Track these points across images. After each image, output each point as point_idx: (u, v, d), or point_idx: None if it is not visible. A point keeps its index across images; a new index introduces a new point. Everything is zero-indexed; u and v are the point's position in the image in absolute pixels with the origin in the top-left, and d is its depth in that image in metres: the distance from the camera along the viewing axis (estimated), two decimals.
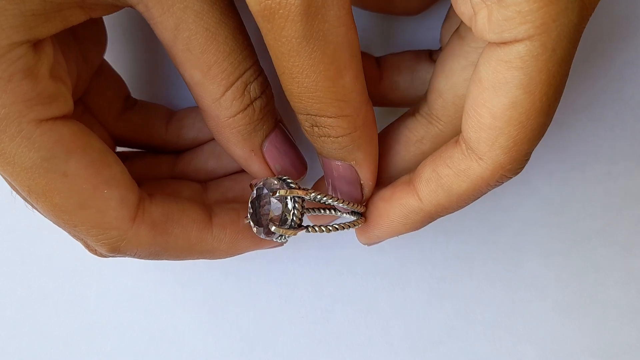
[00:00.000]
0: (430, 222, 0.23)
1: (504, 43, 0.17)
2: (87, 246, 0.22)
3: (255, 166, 0.23)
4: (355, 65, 0.19)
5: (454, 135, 0.23)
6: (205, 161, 0.26)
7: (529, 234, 0.32)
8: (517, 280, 0.32)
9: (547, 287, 0.32)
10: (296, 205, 0.21)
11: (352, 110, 0.20)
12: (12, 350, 0.31)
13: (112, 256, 0.22)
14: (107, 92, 0.25)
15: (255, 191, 0.22)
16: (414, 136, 0.24)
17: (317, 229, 0.22)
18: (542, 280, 0.32)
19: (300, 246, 0.31)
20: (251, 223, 0.22)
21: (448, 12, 0.25)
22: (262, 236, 0.22)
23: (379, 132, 0.25)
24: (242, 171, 0.26)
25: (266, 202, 0.22)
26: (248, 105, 0.21)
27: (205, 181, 0.26)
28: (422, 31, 0.29)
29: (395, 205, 0.23)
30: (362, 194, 0.23)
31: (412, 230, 0.24)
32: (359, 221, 0.23)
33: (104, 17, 0.25)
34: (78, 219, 0.20)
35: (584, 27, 0.18)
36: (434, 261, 0.32)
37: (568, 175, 0.32)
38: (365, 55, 0.26)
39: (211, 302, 0.31)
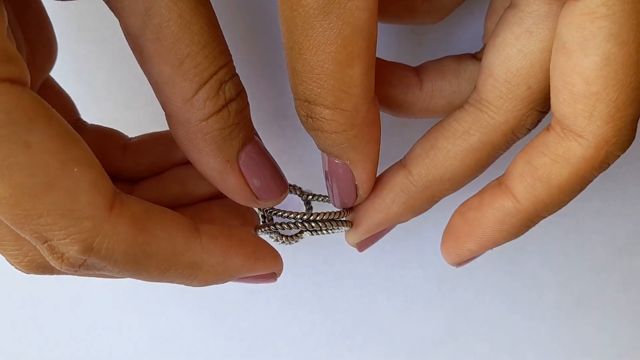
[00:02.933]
0: (530, 226, 0.21)
1: None
2: (52, 251, 0.17)
3: (231, 180, 0.20)
4: (368, 58, 0.18)
5: (508, 124, 0.20)
6: (168, 187, 0.24)
7: (528, 234, 0.32)
8: (517, 281, 0.32)
9: (547, 288, 0.32)
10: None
11: (352, 106, 0.18)
12: (12, 350, 0.31)
13: (81, 265, 0.18)
14: (55, 108, 0.23)
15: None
16: (461, 127, 0.21)
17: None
18: (542, 280, 0.32)
19: (301, 246, 0.31)
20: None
21: (490, 4, 0.23)
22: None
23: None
24: (210, 199, 0.24)
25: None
26: (223, 106, 0.19)
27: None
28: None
29: (487, 211, 0.20)
30: (357, 195, 0.22)
31: (510, 239, 0.21)
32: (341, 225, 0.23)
33: (60, 42, 0.24)
34: (44, 205, 0.16)
35: None
36: (434, 261, 0.32)
37: None
38: (401, 65, 0.24)
39: (211, 302, 0.31)
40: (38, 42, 0.22)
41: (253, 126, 0.21)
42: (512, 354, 0.32)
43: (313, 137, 0.20)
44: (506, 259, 0.32)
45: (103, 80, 0.29)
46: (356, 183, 0.21)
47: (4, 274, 0.31)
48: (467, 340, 0.32)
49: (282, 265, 0.22)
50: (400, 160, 0.22)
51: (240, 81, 0.20)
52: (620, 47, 0.16)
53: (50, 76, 0.24)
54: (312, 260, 0.32)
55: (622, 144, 0.18)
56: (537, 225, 0.31)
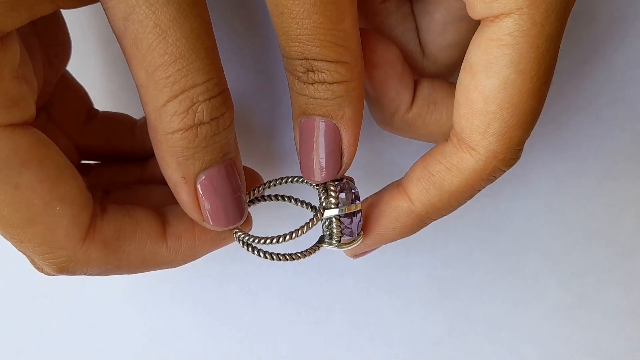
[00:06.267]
0: (422, 226, 0.22)
1: (493, 20, 0.18)
2: (34, 263, 0.21)
3: (182, 195, 0.20)
4: (354, 11, 0.19)
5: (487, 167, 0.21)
6: None
7: (529, 234, 0.32)
8: (517, 281, 0.32)
9: (548, 288, 0.32)
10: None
11: (351, 57, 0.19)
12: (12, 350, 0.31)
13: (61, 275, 0.21)
14: (71, 102, 0.25)
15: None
16: (450, 165, 0.21)
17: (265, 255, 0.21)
18: (542, 280, 0.32)
19: (300, 246, 0.31)
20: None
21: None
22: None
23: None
24: None
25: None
26: (190, 127, 0.18)
27: None
28: None
29: (384, 209, 0.22)
30: (341, 164, 0.21)
31: (403, 237, 0.23)
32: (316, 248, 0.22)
33: (69, 29, 0.24)
34: (25, 235, 0.19)
35: (572, 6, 0.18)
36: (434, 262, 0.32)
37: (568, 175, 0.32)
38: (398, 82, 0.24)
39: (211, 303, 0.31)
40: (53, 43, 0.23)
41: (229, 149, 0.20)
42: (512, 354, 0.32)
43: (310, 93, 0.20)
44: (506, 259, 0.32)
45: (112, 71, 0.30)
46: (343, 148, 0.21)
47: (4, 273, 0.31)
48: (467, 340, 0.32)
49: (251, 226, 0.23)
50: (398, 182, 0.22)
51: (227, 103, 0.19)
52: (518, 74, 0.18)
53: (66, 70, 0.25)
54: (312, 260, 0.32)
55: (509, 160, 0.20)
56: (537, 226, 0.32)
